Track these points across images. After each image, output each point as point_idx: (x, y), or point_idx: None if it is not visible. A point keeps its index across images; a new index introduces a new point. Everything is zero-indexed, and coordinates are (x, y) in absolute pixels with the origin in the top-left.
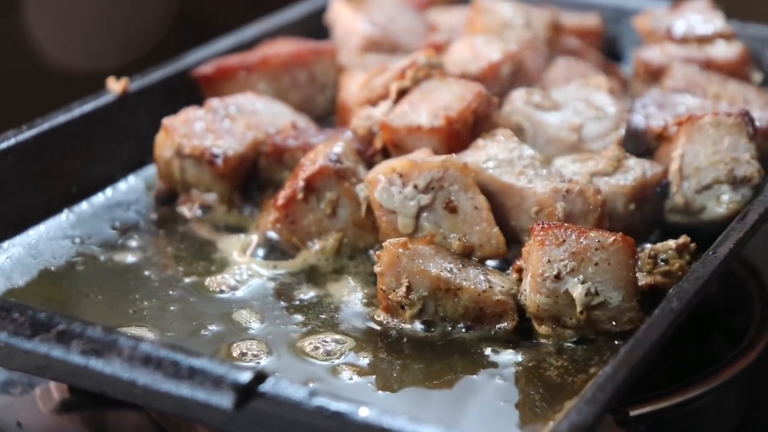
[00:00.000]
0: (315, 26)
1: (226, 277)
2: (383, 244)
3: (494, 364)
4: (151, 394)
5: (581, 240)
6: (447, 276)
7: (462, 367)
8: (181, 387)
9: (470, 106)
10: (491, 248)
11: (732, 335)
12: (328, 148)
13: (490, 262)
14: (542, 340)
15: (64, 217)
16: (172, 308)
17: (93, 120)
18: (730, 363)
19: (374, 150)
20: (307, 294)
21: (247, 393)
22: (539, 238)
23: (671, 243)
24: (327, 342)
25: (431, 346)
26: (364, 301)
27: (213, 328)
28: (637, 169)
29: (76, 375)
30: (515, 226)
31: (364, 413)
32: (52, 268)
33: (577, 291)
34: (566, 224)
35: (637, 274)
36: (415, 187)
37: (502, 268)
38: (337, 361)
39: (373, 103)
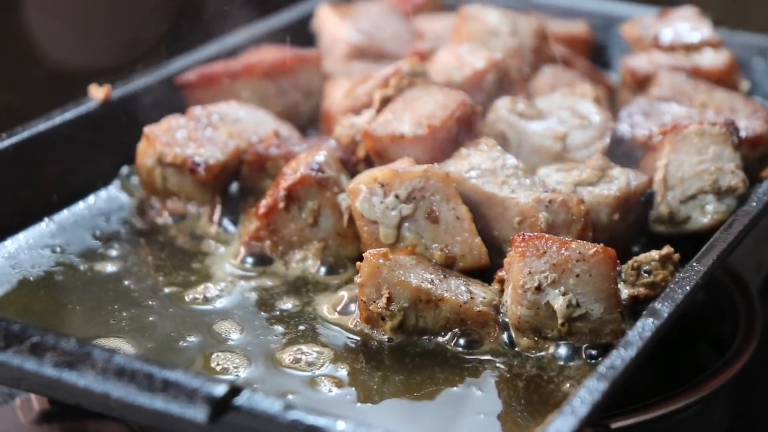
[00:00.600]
0: (301, 33)
1: (207, 287)
2: (364, 254)
3: (475, 376)
4: (125, 407)
5: (562, 251)
6: (428, 287)
7: (443, 378)
8: (155, 400)
9: (453, 114)
10: (473, 259)
11: (718, 345)
12: (310, 157)
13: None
14: (524, 352)
15: (44, 225)
16: (151, 319)
17: (74, 128)
18: (714, 374)
19: (357, 159)
20: (288, 304)
21: (222, 406)
22: (520, 249)
23: (654, 254)
24: (307, 353)
25: (412, 357)
26: (345, 311)
27: (192, 339)
28: (621, 179)
29: (50, 387)
30: (498, 237)
31: (340, 427)
32: (31, 278)
33: (558, 303)
34: (547, 235)
35: (620, 286)
36: (397, 197)
37: (485, 279)
38: (317, 372)
39: (357, 111)
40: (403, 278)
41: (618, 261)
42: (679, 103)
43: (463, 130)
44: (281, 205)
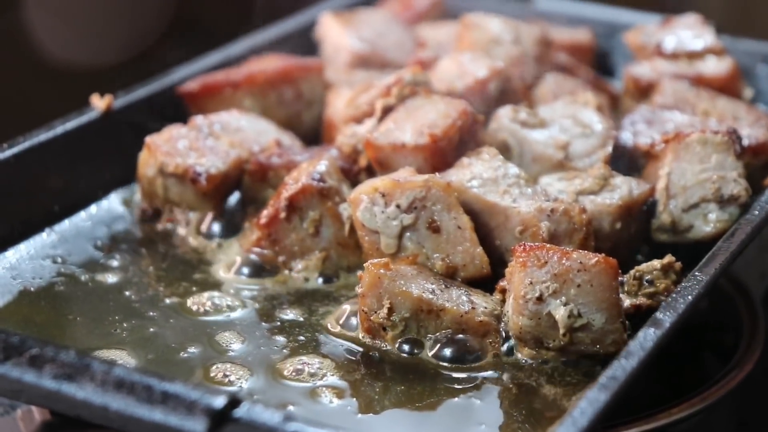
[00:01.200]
0: (303, 42)
1: (208, 297)
2: (365, 264)
3: (477, 387)
4: (124, 419)
5: (563, 261)
6: (429, 297)
7: (444, 389)
8: (154, 412)
9: (455, 123)
10: (475, 268)
11: (722, 353)
12: (312, 167)
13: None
14: (525, 363)
15: (45, 236)
16: (152, 330)
17: (76, 138)
18: (717, 383)
19: (359, 168)
20: (289, 315)
21: (221, 418)
22: (521, 259)
23: (656, 263)
24: (308, 364)
25: (413, 367)
26: (347, 322)
27: (193, 350)
28: (623, 188)
29: (49, 399)
30: (500, 246)
31: None
32: (32, 289)
33: (560, 313)
34: (548, 245)
35: (621, 295)
36: (398, 206)
37: (486, 289)
38: (318, 383)
39: (359, 120)
40: (404, 288)
41: (620, 270)
42: (682, 111)
43: (465, 139)
44: (283, 215)
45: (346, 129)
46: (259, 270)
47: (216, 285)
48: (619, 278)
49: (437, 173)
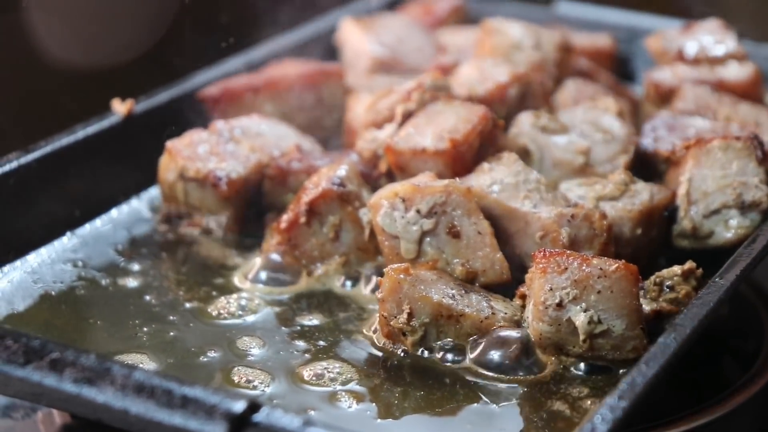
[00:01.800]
0: (324, 47)
1: (228, 302)
2: (384, 270)
3: (496, 393)
4: (144, 423)
5: (583, 267)
6: (449, 302)
7: (464, 395)
8: (174, 416)
9: (476, 128)
10: (495, 274)
11: (742, 360)
12: (332, 172)
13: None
14: (545, 369)
15: (66, 240)
16: (172, 334)
17: (97, 142)
18: (738, 390)
19: (379, 173)
20: (310, 320)
21: (241, 422)
22: (541, 265)
23: (677, 269)
24: (328, 369)
25: (433, 373)
26: (366, 327)
27: (213, 354)
28: (644, 194)
29: (69, 403)
30: (520, 252)
31: None
32: (53, 293)
33: (580, 319)
34: (568, 251)
35: (642, 301)
36: (418, 211)
37: (506, 294)
38: (338, 388)
39: (379, 125)
40: (424, 293)
41: (640, 277)
42: (703, 116)
43: (485, 144)
44: (303, 219)
45: (367, 134)
46: (279, 274)
47: (236, 289)
48: (640, 284)
49: (457, 178)
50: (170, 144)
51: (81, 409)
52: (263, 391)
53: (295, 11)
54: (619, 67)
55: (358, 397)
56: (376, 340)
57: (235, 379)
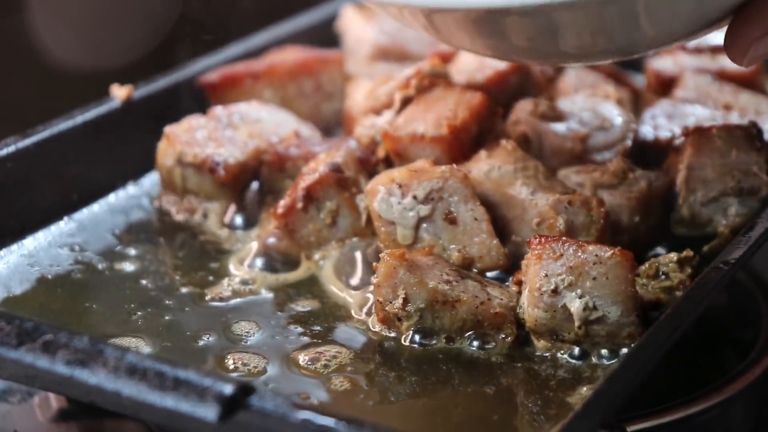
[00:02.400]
0: (324, 34)
1: (225, 287)
2: (380, 255)
3: (492, 378)
4: (136, 405)
5: (579, 254)
6: (444, 288)
7: (459, 380)
8: (165, 398)
9: (474, 115)
10: (491, 260)
11: (741, 348)
12: (329, 157)
13: (490, 274)
14: (540, 354)
15: (64, 224)
16: (168, 318)
17: (95, 127)
18: (735, 377)
19: (377, 159)
20: (305, 305)
21: (233, 405)
22: (537, 251)
23: (672, 256)
24: (323, 353)
25: (428, 358)
26: (362, 312)
27: (209, 338)
28: (642, 181)
29: (62, 385)
30: (516, 238)
31: (350, 427)
32: (50, 277)
33: (575, 305)
34: (564, 238)
35: (638, 288)
36: (415, 197)
37: (503, 280)
38: (332, 373)
39: (378, 112)
40: (419, 279)
41: (636, 263)
42: (704, 105)
43: (484, 131)
44: (299, 205)
45: (365, 120)
46: (275, 260)
47: (232, 275)
48: (636, 271)
49: (455, 165)
50: (168, 129)
51: (74, 392)
52: (257, 375)
53: None
54: None
55: (353, 382)
56: (371, 326)
57: (230, 363)
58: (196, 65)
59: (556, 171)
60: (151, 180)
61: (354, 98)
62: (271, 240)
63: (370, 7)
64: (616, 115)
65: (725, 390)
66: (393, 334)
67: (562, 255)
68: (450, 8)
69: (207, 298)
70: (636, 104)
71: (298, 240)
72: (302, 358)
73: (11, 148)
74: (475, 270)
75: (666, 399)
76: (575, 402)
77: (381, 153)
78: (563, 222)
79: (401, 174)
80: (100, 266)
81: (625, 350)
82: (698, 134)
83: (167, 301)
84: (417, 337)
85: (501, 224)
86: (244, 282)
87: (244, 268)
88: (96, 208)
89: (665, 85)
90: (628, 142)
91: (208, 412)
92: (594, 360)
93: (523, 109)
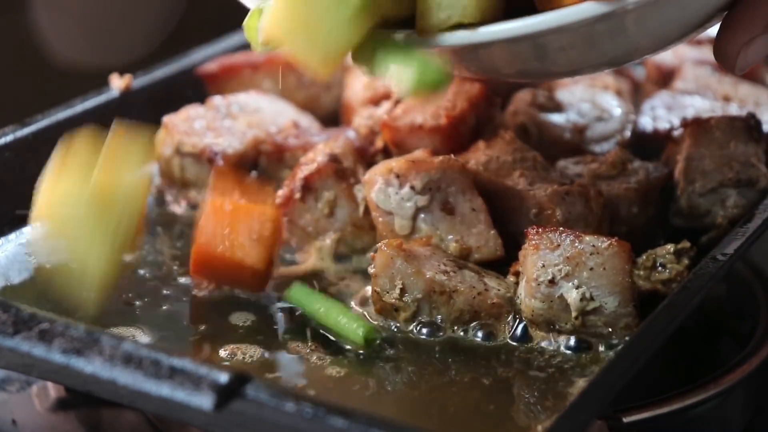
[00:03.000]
0: None
1: None
2: (378, 245)
3: (488, 368)
4: (132, 394)
5: (576, 244)
6: (442, 278)
7: (455, 370)
8: (161, 387)
9: (472, 105)
10: (489, 251)
11: (739, 340)
12: (328, 148)
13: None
14: (537, 345)
15: None
16: (165, 308)
17: (94, 117)
18: (733, 368)
19: (375, 150)
20: None
21: (228, 394)
22: (534, 242)
23: (669, 247)
24: (320, 343)
25: (425, 348)
26: (360, 302)
27: (206, 328)
28: (640, 172)
29: (59, 374)
30: (514, 229)
31: (345, 416)
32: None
33: (572, 296)
34: (561, 228)
35: (635, 279)
36: (412, 188)
37: (501, 271)
38: (329, 363)
39: (376, 102)
40: (416, 269)
41: (633, 254)
42: (703, 96)
43: (483, 121)
44: (297, 195)
45: (364, 111)
46: None
47: None
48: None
49: (453, 155)
50: (167, 119)
51: (70, 380)
52: (254, 365)
53: None
54: None
55: (350, 372)
56: (368, 315)
57: (227, 353)
58: (196, 55)
59: (554, 162)
60: (149, 170)
61: (353, 89)
62: None
63: None
64: (614, 106)
65: (722, 381)
66: (391, 324)
67: (559, 245)
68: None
69: (204, 288)
70: (635, 95)
71: (296, 230)
72: (300, 348)
73: (9, 138)
74: (472, 261)
75: (664, 390)
76: (571, 393)
77: (379, 143)
78: (561, 213)
79: (399, 164)
80: None
81: (621, 341)
82: (697, 125)
83: (165, 291)
84: (414, 328)
85: (499, 215)
86: None
87: None
88: None
89: (665, 77)
90: (627, 133)
91: (204, 400)
92: (590, 351)
93: (521, 99)
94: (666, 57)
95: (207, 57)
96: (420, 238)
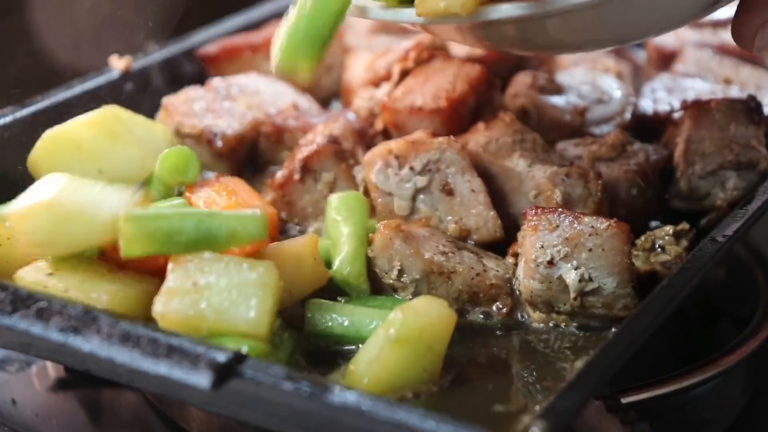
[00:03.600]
0: None
1: None
2: (376, 226)
3: (486, 349)
4: (130, 373)
5: (575, 225)
6: (440, 259)
7: (454, 350)
8: (159, 365)
9: (472, 87)
10: (488, 232)
11: (739, 322)
12: (327, 129)
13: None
14: (536, 326)
15: None
16: None
17: (94, 98)
18: (731, 350)
19: (375, 131)
20: None
21: (226, 373)
22: (533, 223)
23: (668, 228)
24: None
25: None
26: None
27: None
28: (640, 154)
29: (57, 352)
30: (514, 210)
31: (341, 395)
32: None
33: (571, 277)
34: (560, 209)
35: (634, 261)
36: (412, 168)
37: (500, 252)
38: (326, 345)
39: (376, 84)
40: (415, 250)
41: (632, 236)
42: (704, 79)
43: (482, 103)
44: (297, 176)
45: (364, 92)
46: None
47: None
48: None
49: (452, 136)
50: (166, 100)
51: (68, 359)
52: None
53: None
54: None
55: (345, 353)
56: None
57: None
58: (196, 37)
59: (554, 144)
60: None
61: (353, 70)
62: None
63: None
64: (615, 89)
65: (721, 363)
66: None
67: (558, 226)
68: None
69: None
70: (636, 78)
71: (296, 211)
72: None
73: (8, 119)
74: (471, 242)
75: (664, 372)
76: (569, 373)
77: (379, 125)
78: (560, 194)
79: (399, 145)
80: None
81: (621, 321)
82: (697, 108)
83: None
84: None
85: (498, 196)
86: None
87: None
88: None
89: (666, 59)
90: (627, 116)
91: (201, 379)
92: (588, 332)
93: (522, 81)
94: (667, 40)
95: (207, 39)
96: (419, 219)
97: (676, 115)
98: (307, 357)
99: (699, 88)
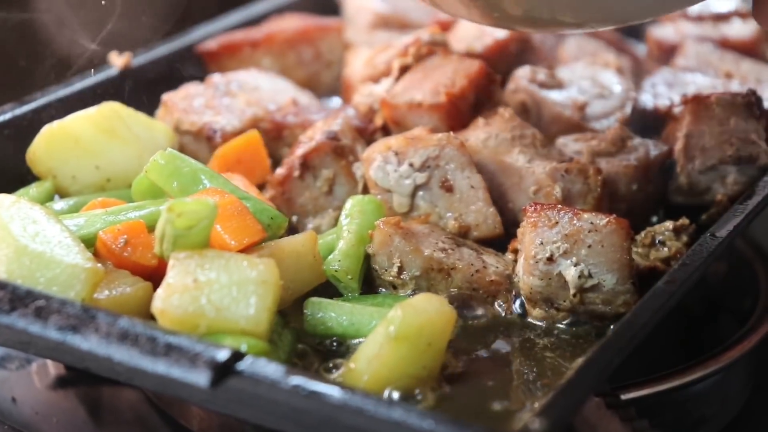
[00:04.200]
0: (324, 2)
1: None
2: (375, 223)
3: (486, 346)
4: (129, 371)
5: (574, 221)
6: (440, 256)
7: (453, 347)
8: (157, 364)
9: (472, 83)
10: (487, 228)
11: (740, 317)
12: (327, 126)
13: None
14: (536, 323)
15: None
16: None
17: (93, 94)
18: (731, 346)
19: (375, 127)
20: None
21: (224, 371)
22: (532, 219)
23: (668, 224)
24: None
25: None
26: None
27: None
28: (640, 149)
29: (56, 350)
30: (513, 206)
31: (340, 393)
32: None
33: (570, 273)
34: (559, 205)
35: (634, 256)
36: (411, 165)
37: (499, 249)
38: (325, 341)
39: (376, 80)
40: (415, 247)
41: (632, 231)
42: (704, 73)
43: (482, 99)
44: (296, 173)
45: (363, 88)
46: None
47: None
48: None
49: (452, 132)
50: (166, 97)
51: (67, 357)
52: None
53: None
54: None
55: (345, 349)
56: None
57: None
58: (196, 33)
59: (554, 139)
60: None
61: (352, 66)
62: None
63: None
64: (615, 83)
65: (722, 358)
66: None
67: (557, 222)
68: None
69: None
70: (636, 72)
71: (295, 208)
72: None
73: (8, 116)
74: (471, 238)
75: (664, 368)
76: (569, 369)
77: (379, 121)
78: (560, 190)
79: (398, 141)
80: None
81: (620, 318)
82: (697, 102)
83: None
84: None
85: (498, 192)
86: None
87: None
88: None
89: (666, 53)
90: (627, 110)
91: (200, 377)
92: (588, 328)
93: (521, 77)
94: (667, 34)
95: (207, 35)
96: (418, 215)
97: (676, 110)
98: (306, 355)
99: (699, 83)
